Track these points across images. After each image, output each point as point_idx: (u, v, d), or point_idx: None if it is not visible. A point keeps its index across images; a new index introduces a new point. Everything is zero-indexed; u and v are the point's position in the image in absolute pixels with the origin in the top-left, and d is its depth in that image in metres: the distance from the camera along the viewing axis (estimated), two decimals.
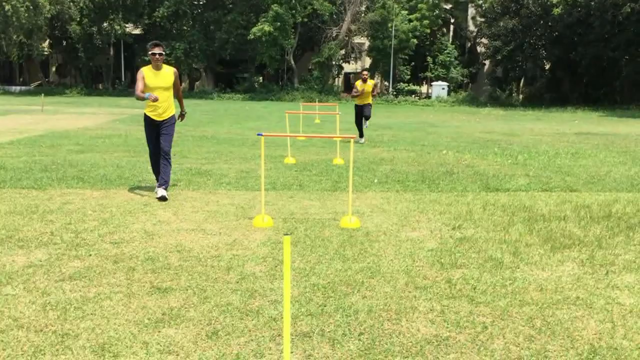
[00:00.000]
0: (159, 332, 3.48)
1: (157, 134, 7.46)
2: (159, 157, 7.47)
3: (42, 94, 33.19)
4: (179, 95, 7.76)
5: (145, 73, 7.27)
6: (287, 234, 2.32)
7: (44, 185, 8.02)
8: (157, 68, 7.29)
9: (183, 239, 5.55)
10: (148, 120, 7.47)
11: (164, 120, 7.43)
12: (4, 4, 42.61)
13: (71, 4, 46.69)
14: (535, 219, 6.63)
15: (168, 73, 7.39)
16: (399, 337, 3.49)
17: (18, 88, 51.51)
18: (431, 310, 3.91)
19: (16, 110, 26.35)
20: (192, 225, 6.09)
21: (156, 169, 7.62)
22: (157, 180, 7.54)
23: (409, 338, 3.47)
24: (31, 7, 43.74)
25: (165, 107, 7.38)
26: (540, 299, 4.14)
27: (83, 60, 50.91)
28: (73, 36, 48.90)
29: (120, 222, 6.11)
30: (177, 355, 3.20)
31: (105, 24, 49.29)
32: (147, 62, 7.56)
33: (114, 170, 9.54)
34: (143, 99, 7.08)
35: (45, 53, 53.88)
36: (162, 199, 7.18)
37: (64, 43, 52.84)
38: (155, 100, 7.04)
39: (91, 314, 3.73)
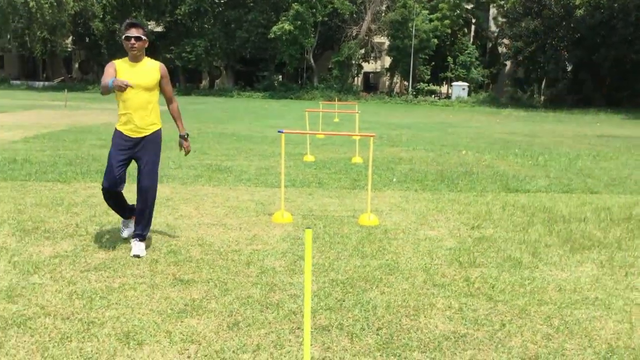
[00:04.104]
0: (182, 322, 3.56)
1: (128, 157, 4.96)
2: (118, 192, 5.03)
3: (65, 90, 33.64)
4: (172, 105, 5.13)
5: (119, 66, 4.81)
6: (308, 228, 2.37)
7: (69, 179, 8.16)
8: (135, 59, 4.82)
9: (204, 233, 5.63)
10: (119, 137, 4.91)
11: (143, 138, 4.91)
12: (28, 0, 43.20)
13: (94, 0, 47.23)
14: (555, 220, 6.62)
15: (151, 68, 4.88)
16: (417, 332, 3.53)
17: (41, 84, 52.30)
18: (449, 307, 3.94)
19: (40, 106, 26.74)
20: (213, 220, 6.17)
21: (116, 206, 5.14)
22: (123, 217, 5.20)
23: (427, 334, 3.51)
24: (55, 4, 44.36)
25: (144, 117, 4.85)
26: (559, 298, 4.16)
27: (105, 57, 51.42)
28: (96, 33, 49.53)
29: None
30: (199, 344, 3.27)
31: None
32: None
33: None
34: (107, 90, 4.51)
35: (69, 49, 54.56)
36: (137, 256, 4.81)
37: (87, 40, 53.54)
38: (124, 87, 4.41)
39: (116, 303, 3.82)
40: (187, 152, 5.25)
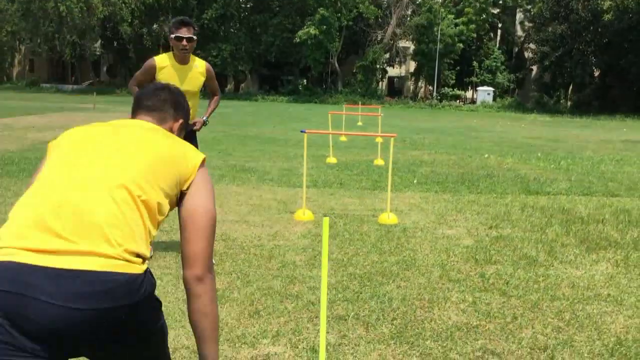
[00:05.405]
0: None
1: None
2: None
3: (94, 93, 34.30)
4: (215, 97, 5.05)
5: (161, 66, 4.50)
6: (326, 215, 2.53)
7: None
8: (184, 61, 4.53)
9: (228, 229, 5.82)
10: None
11: None
12: (59, 4, 44.19)
13: (123, 5, 48.09)
14: (573, 221, 6.68)
15: (198, 70, 4.64)
16: (430, 323, 3.66)
17: (70, 87, 53.26)
18: (463, 300, 4.06)
19: (69, 108, 27.33)
20: (237, 217, 6.36)
21: None
22: None
23: (440, 324, 3.64)
24: (85, 8, 45.26)
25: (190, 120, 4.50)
26: (572, 294, 4.25)
27: (133, 61, 52.29)
28: (124, 37, 50.38)
29: (170, 212, 6.42)
30: (222, 330, 3.44)
31: (155, 26, 50.63)
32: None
33: None
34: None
35: (97, 53, 55.59)
36: None
37: (115, 44, 54.52)
38: None
39: None
40: (195, 128, 4.76)
